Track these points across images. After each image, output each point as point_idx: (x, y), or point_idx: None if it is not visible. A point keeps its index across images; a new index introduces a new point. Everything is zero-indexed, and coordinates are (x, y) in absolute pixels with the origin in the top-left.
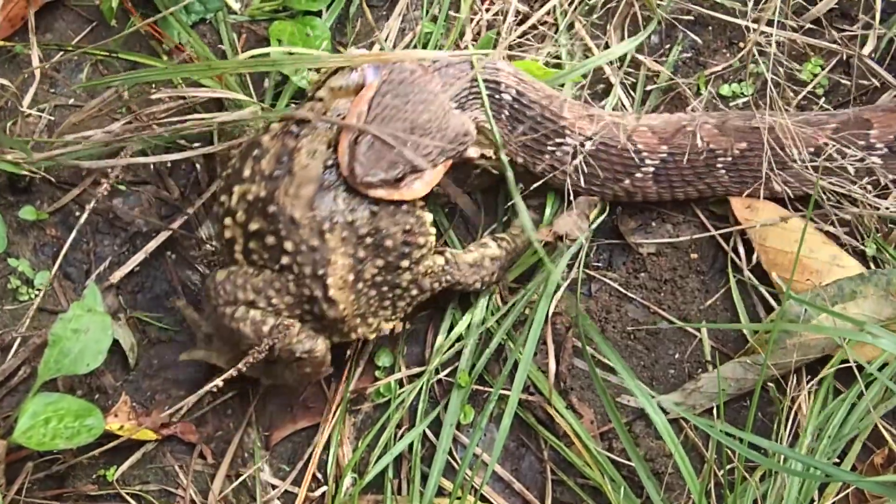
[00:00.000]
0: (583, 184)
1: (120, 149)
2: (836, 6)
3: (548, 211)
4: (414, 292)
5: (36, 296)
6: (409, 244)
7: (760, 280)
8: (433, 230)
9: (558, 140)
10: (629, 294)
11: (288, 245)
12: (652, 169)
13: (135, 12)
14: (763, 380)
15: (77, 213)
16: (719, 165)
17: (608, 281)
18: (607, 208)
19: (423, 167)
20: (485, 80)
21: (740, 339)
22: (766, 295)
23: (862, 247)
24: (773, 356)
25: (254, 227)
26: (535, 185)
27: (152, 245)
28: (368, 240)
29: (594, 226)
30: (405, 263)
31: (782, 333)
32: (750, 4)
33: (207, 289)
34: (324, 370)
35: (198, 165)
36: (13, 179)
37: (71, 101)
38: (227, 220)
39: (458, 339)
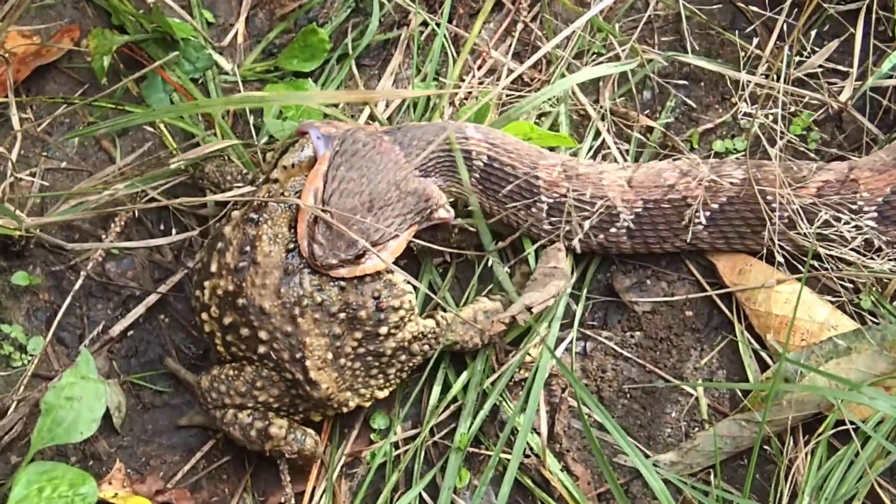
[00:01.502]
0: (560, 240)
1: (114, 213)
2: (832, 59)
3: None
4: (403, 358)
5: (29, 362)
6: (382, 310)
7: (754, 338)
8: (408, 288)
9: (533, 199)
10: (624, 353)
11: (262, 335)
12: (626, 224)
13: (125, 70)
14: (760, 438)
15: (71, 278)
16: (697, 220)
17: (603, 340)
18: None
19: (384, 241)
20: (452, 150)
21: (736, 397)
22: (762, 353)
23: (857, 299)
24: (769, 413)
25: (227, 320)
26: (512, 238)
27: (141, 309)
28: (342, 315)
29: (586, 283)
30: (384, 330)
31: (778, 391)
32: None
33: (195, 395)
34: (315, 462)
35: (190, 228)
36: (6, 244)
37: (63, 164)
38: (204, 315)
39: (454, 399)
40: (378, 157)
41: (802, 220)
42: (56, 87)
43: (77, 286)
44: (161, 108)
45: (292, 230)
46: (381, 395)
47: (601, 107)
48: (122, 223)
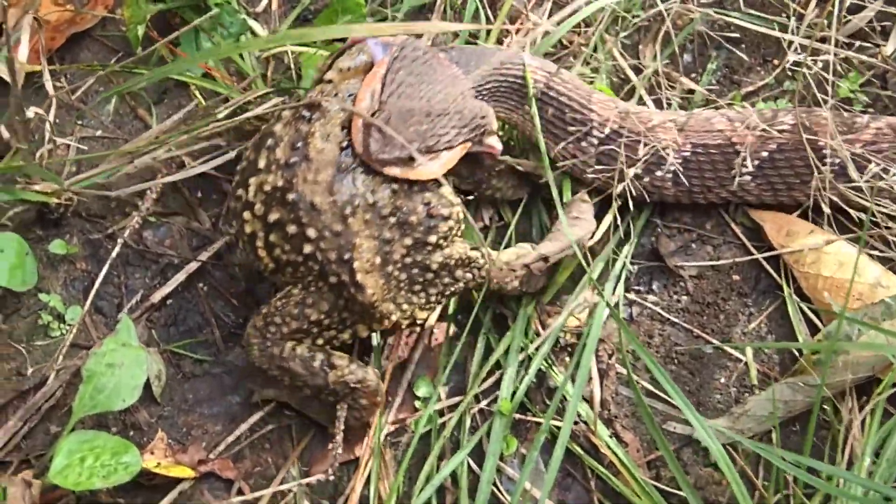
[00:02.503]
0: (600, 177)
1: (150, 180)
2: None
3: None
4: (446, 280)
5: (67, 331)
6: (433, 216)
7: (803, 300)
8: (456, 200)
9: (583, 130)
10: (671, 318)
11: (311, 232)
12: (673, 168)
13: (159, 38)
14: (819, 401)
15: (108, 246)
16: (745, 169)
17: (649, 305)
18: (615, 212)
19: (440, 149)
20: (511, 74)
21: (786, 362)
22: (812, 315)
23: None
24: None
25: (273, 217)
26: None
27: (181, 276)
28: (392, 219)
29: (631, 246)
30: (433, 239)
31: (833, 353)
32: (791, 21)
33: (249, 340)
34: (379, 400)
35: (228, 193)
36: (43, 213)
37: (99, 133)
38: (247, 214)
39: (497, 365)
40: (438, 68)
41: (853, 169)
42: (90, 55)
43: (114, 254)
44: (201, 52)
45: (345, 130)
46: (420, 315)
47: (643, 65)
48: (159, 191)
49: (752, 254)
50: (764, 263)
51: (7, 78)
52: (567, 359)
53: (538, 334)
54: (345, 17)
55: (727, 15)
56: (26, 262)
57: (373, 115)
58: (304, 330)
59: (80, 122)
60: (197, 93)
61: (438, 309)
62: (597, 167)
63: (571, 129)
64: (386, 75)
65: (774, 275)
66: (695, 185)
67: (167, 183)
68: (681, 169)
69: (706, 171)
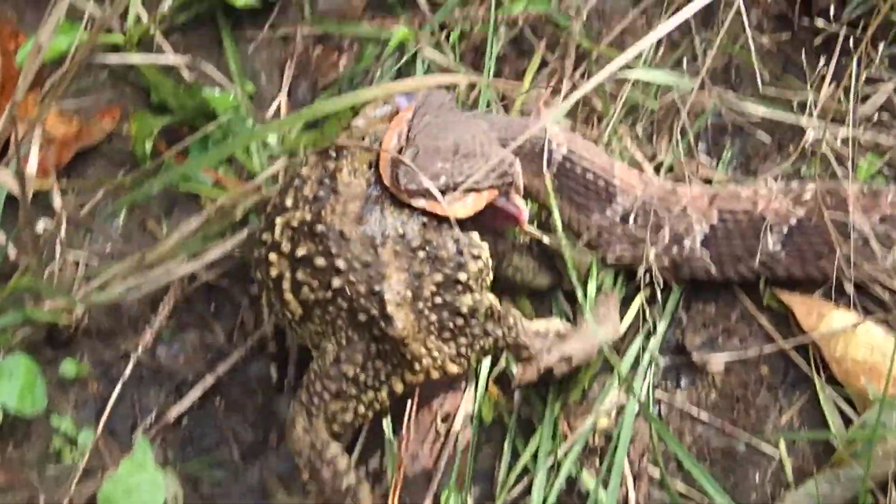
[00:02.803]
0: (626, 249)
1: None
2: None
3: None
4: (476, 331)
5: (80, 457)
6: (462, 254)
7: (834, 390)
8: (485, 245)
9: (606, 198)
10: (701, 416)
11: (340, 263)
12: (700, 238)
13: (166, 149)
14: (857, 494)
15: (120, 365)
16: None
17: (678, 402)
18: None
19: (468, 184)
20: (536, 138)
21: (820, 455)
22: (844, 406)
23: None
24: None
25: (301, 252)
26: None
27: (197, 392)
28: (421, 253)
29: (658, 342)
30: (463, 277)
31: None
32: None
33: (294, 418)
34: None
35: (243, 306)
36: (52, 333)
37: (108, 248)
38: (272, 256)
39: (525, 470)
40: (463, 117)
41: (876, 244)
42: (96, 170)
43: (127, 373)
44: (207, 155)
45: (373, 167)
46: (451, 367)
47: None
48: (171, 305)
49: (779, 345)
50: (792, 355)
51: (14, 192)
52: (597, 461)
53: (566, 437)
54: None
55: (742, 100)
56: (36, 384)
57: (399, 151)
58: (344, 392)
59: (88, 238)
60: (207, 203)
61: (468, 367)
62: (622, 237)
63: (594, 197)
64: (413, 118)
65: (803, 366)
66: (724, 255)
67: (179, 297)
68: (709, 237)
69: (734, 239)
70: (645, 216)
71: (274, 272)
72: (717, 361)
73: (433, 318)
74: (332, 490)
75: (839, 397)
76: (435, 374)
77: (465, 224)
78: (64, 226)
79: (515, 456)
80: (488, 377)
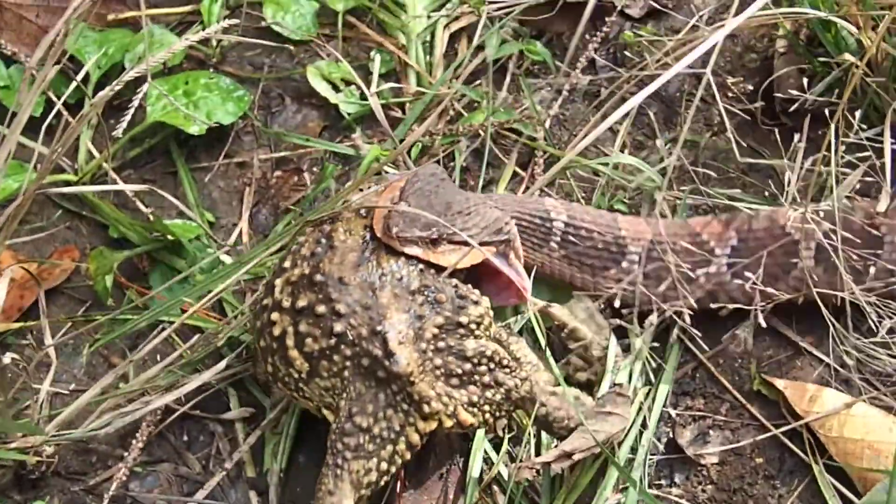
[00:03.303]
0: (656, 296)
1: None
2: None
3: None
4: (486, 379)
5: None
6: (462, 297)
7: (832, 473)
8: (485, 299)
9: (617, 251)
10: None
11: (340, 307)
12: (724, 261)
13: (129, 284)
14: None
15: (92, 503)
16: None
17: (674, 498)
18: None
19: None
20: (532, 209)
21: None
22: (843, 489)
23: None
24: None
25: (302, 303)
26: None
27: None
28: (420, 297)
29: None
30: (464, 320)
31: None
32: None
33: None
34: None
35: (217, 435)
36: (20, 474)
37: (72, 387)
38: (275, 315)
39: None
40: (455, 187)
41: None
42: (56, 309)
43: None
44: (178, 294)
45: (367, 228)
46: (465, 417)
47: None
48: (144, 439)
49: (774, 432)
50: (786, 441)
51: None
52: None
53: None
54: None
55: (714, 195)
56: None
57: (390, 211)
58: (363, 447)
59: (52, 375)
60: (174, 335)
61: (484, 422)
62: (646, 283)
63: (606, 254)
64: (405, 186)
65: (799, 451)
66: (753, 273)
67: (152, 430)
68: (732, 260)
69: (760, 256)
70: (662, 254)
71: (277, 331)
72: (710, 453)
73: (438, 361)
74: None
75: (837, 482)
76: (448, 422)
77: (463, 281)
78: (29, 364)
79: None
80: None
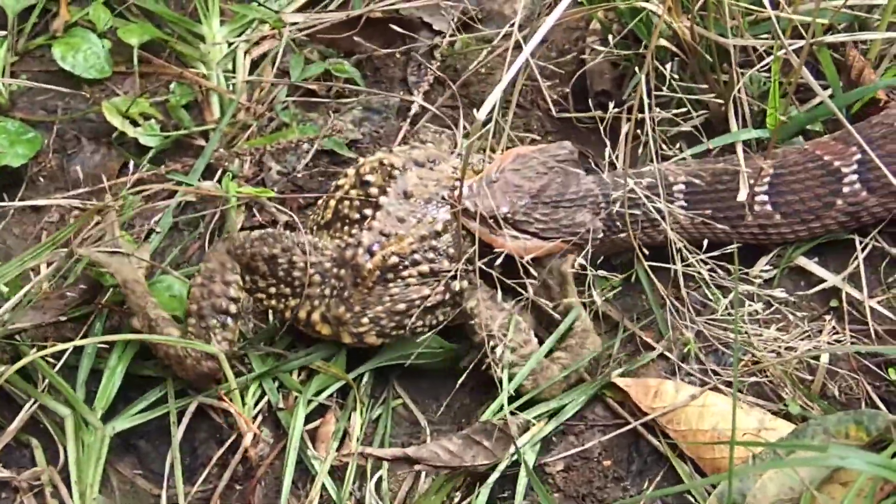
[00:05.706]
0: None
1: None
2: None
3: None
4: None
5: None
6: (452, 259)
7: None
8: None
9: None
10: None
11: (384, 200)
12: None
13: None
14: None
15: None
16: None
17: None
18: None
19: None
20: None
21: None
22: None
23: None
24: None
25: (370, 178)
26: None
27: None
28: (434, 241)
29: None
30: (446, 265)
31: None
32: None
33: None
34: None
35: None
36: None
37: None
38: (346, 178)
39: None
40: (575, 171)
41: None
42: None
43: None
44: None
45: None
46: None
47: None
48: None
49: (619, 430)
50: (636, 441)
51: None
52: None
53: None
54: None
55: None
56: None
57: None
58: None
59: None
60: None
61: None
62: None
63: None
64: (515, 159)
65: (646, 451)
66: (793, 204)
67: None
68: (769, 197)
69: (797, 185)
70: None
71: (341, 182)
72: (554, 461)
73: (395, 291)
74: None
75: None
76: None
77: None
78: None
79: None
80: None
